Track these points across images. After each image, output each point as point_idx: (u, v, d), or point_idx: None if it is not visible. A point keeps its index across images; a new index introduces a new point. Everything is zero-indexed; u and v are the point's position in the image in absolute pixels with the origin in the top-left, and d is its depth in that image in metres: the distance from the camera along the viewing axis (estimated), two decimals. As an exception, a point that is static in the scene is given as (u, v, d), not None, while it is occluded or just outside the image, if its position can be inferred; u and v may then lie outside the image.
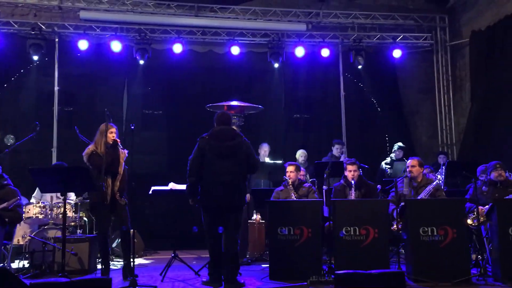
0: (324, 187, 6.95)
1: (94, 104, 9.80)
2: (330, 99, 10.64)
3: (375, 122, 11.10)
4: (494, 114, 10.17)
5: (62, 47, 9.70)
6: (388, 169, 8.81)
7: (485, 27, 10.51)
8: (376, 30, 10.92)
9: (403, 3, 11.72)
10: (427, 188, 6.15)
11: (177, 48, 9.59)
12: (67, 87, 9.73)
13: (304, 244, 5.81)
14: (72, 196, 7.50)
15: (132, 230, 7.73)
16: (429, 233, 5.56)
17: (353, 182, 6.37)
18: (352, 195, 6.33)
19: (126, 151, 6.16)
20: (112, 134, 6.08)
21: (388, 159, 9.41)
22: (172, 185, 6.46)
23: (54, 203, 7.06)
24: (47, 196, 7.17)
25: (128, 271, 5.91)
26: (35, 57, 9.24)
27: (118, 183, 6.05)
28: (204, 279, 5.61)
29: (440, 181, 6.42)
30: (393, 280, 4.33)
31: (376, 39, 10.75)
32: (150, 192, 6.48)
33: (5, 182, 6.31)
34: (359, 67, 10.12)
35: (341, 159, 8.66)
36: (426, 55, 11.52)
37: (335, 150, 8.79)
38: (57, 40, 9.69)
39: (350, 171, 6.45)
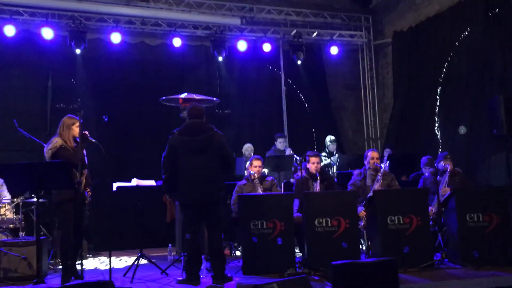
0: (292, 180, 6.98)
1: (18, 96, 9.09)
2: (268, 94, 10.74)
3: (303, 116, 11.38)
4: (416, 110, 10.90)
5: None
6: (333, 162, 9.08)
7: (406, 28, 11.21)
8: (307, 27, 11.20)
9: (329, 2, 12.13)
10: (377, 177, 6.48)
11: (115, 37, 9.14)
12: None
13: (278, 238, 5.84)
14: (7, 195, 6.93)
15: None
16: (396, 222, 5.84)
17: (317, 174, 6.50)
18: (317, 187, 6.47)
19: (94, 141, 5.79)
20: (78, 127, 5.68)
21: (323, 153, 9.69)
22: (136, 181, 6.19)
23: (-5, 204, 6.46)
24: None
25: (73, 272, 5.63)
26: None
27: (84, 179, 5.71)
28: (180, 278, 5.47)
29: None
30: (386, 267, 4.51)
31: (315, 35, 11.00)
32: (115, 189, 6.15)
33: None
34: (298, 62, 10.31)
35: (286, 153, 8.82)
36: (351, 53, 12.03)
37: (279, 143, 8.90)
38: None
39: (314, 163, 6.58)
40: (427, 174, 6.95)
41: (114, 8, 9.74)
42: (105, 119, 5.42)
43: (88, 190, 5.79)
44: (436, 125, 10.46)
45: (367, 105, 11.88)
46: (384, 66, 12.08)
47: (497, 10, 8.81)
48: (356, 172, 6.86)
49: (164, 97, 7.40)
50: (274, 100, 10.78)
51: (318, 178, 6.50)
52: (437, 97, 10.47)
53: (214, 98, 7.39)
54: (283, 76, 10.60)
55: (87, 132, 5.71)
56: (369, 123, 11.84)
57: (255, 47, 10.39)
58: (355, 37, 11.58)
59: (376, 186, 6.47)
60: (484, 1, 9.11)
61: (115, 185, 6.07)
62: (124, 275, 5.89)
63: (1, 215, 6.43)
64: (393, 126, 11.35)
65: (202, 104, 7.34)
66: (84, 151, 5.79)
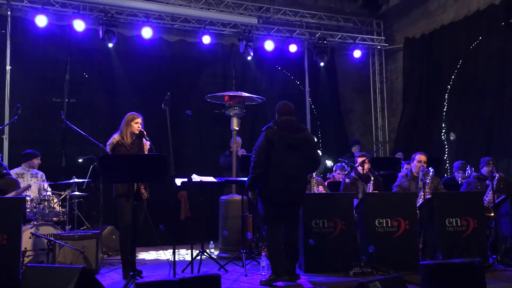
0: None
1: (48, 89, 8.79)
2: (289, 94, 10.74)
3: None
4: (426, 115, 11.14)
5: (16, 22, 8.55)
6: None
7: (419, 35, 11.43)
8: (321, 29, 11.27)
9: (340, 6, 12.24)
10: (425, 180, 6.57)
11: (147, 32, 8.95)
12: (20, 67, 8.55)
13: (339, 236, 5.86)
14: (48, 188, 6.71)
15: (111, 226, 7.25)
16: (454, 224, 5.95)
17: (370, 175, 6.56)
18: (370, 188, 6.52)
19: (148, 143, 5.72)
20: (138, 124, 5.67)
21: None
22: (196, 177, 6.08)
23: (42, 196, 6.21)
24: (33, 188, 6.29)
25: (131, 267, 5.53)
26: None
27: None
28: (263, 279, 5.28)
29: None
30: (474, 268, 4.57)
31: (338, 38, 11.11)
32: (179, 184, 6.03)
33: (5, 171, 5.46)
34: (321, 64, 10.37)
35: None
36: (361, 57, 12.15)
37: (355, 149, 9.00)
38: (9, 13, 8.46)
39: (360, 164, 6.62)
40: (471, 178, 7.08)
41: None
42: (189, 113, 5.30)
43: (142, 186, 5.66)
44: (443, 130, 10.74)
45: (376, 108, 12.03)
46: (393, 71, 12.27)
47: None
48: (401, 174, 6.95)
49: (209, 95, 7.31)
50: (295, 100, 10.77)
51: (372, 178, 6.54)
52: (445, 104, 10.74)
53: (260, 97, 7.30)
54: (307, 77, 10.63)
55: (143, 130, 5.66)
56: (378, 126, 11.99)
57: (281, 48, 10.39)
58: (367, 41, 11.66)
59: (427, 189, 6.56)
60: (504, 10, 9.34)
61: (179, 181, 5.93)
62: (183, 271, 5.78)
63: (50, 207, 6.19)
64: (403, 130, 11.55)
65: (247, 102, 7.34)
66: (148, 147, 5.70)
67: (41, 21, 8.31)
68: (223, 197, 7.22)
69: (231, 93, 7.16)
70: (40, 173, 6.97)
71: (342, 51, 11.49)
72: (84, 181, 6.91)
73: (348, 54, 11.47)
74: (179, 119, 8.72)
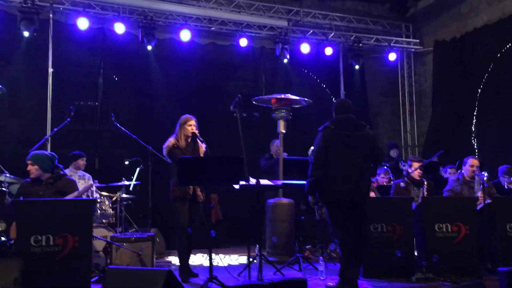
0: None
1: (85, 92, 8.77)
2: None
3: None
4: (455, 120, 11.06)
5: (58, 25, 8.55)
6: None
7: (450, 38, 11.34)
8: (351, 32, 11.18)
9: (367, 9, 12.17)
10: (475, 187, 6.50)
11: (185, 35, 8.88)
12: (62, 69, 8.51)
13: (398, 241, 5.78)
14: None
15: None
16: (513, 229, 5.87)
17: (424, 180, 6.47)
18: (424, 192, 6.44)
19: (204, 145, 5.68)
20: (191, 126, 5.67)
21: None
22: (253, 180, 5.99)
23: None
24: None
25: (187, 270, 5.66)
26: (26, 34, 7.94)
27: None
28: (330, 284, 5.15)
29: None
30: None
31: (373, 41, 11.06)
32: (237, 187, 5.94)
33: (62, 172, 5.38)
34: (356, 67, 10.31)
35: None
36: (390, 59, 12.07)
37: (393, 152, 8.93)
38: (51, 15, 8.44)
39: (417, 168, 6.54)
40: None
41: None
42: (257, 116, 5.23)
43: (198, 189, 5.67)
44: (473, 134, 10.66)
45: (405, 112, 11.95)
46: (422, 74, 12.19)
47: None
48: (452, 178, 6.86)
49: (256, 97, 7.26)
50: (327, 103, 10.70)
51: (426, 183, 6.45)
52: (476, 107, 10.67)
53: (306, 99, 7.22)
54: (342, 81, 10.56)
55: (196, 132, 5.63)
56: (407, 130, 11.91)
57: (316, 51, 10.33)
58: (396, 44, 11.56)
59: (479, 193, 6.47)
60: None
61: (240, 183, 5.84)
62: (239, 275, 5.71)
63: (102, 210, 6.12)
64: (432, 134, 11.46)
65: (294, 105, 7.25)
66: (204, 150, 5.68)
67: (82, 23, 8.27)
68: (270, 200, 7.12)
69: (278, 96, 7.07)
70: (87, 175, 6.90)
71: (371, 54, 11.37)
72: (134, 184, 6.85)
73: (377, 57, 11.39)
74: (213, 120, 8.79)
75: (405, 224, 5.82)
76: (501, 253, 5.80)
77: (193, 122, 5.71)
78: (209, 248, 4.92)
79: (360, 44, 10.27)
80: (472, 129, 10.68)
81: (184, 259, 5.66)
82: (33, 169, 5.23)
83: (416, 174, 6.58)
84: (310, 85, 10.64)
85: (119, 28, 8.54)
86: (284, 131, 7.14)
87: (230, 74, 10.08)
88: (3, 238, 5.78)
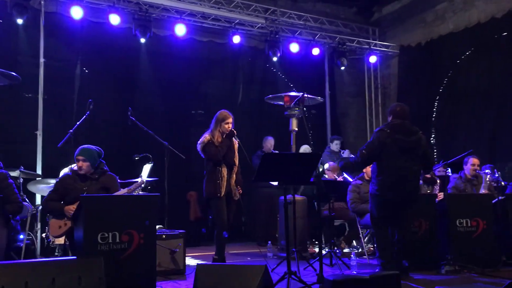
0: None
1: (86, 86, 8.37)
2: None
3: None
4: (417, 123, 11.60)
5: (50, 13, 8.08)
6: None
7: (415, 44, 11.95)
8: (323, 32, 11.44)
9: (336, 11, 12.52)
10: (483, 184, 6.95)
11: (180, 29, 8.67)
12: (54, 60, 8.03)
13: (424, 235, 6.07)
14: None
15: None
16: (524, 223, 6.34)
17: (436, 178, 6.80)
18: (437, 190, 6.80)
19: (237, 141, 5.67)
20: (229, 124, 5.68)
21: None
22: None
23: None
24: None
25: None
26: (20, 21, 7.40)
27: (234, 175, 5.59)
28: None
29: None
30: None
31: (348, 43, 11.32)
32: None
33: (105, 167, 5.11)
34: (342, 68, 10.56)
35: (344, 155, 9.01)
36: (356, 62, 12.50)
37: (334, 145, 9.06)
38: (43, 2, 7.91)
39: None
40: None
41: None
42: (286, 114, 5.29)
43: (239, 187, 5.67)
44: (432, 135, 11.33)
45: (371, 113, 12.42)
46: (386, 77, 12.72)
47: None
48: (454, 176, 7.26)
49: (269, 96, 7.28)
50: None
51: (438, 181, 6.78)
52: (434, 112, 11.35)
53: (319, 98, 7.33)
54: (327, 80, 10.76)
55: (234, 130, 5.62)
56: (373, 130, 12.37)
57: (305, 51, 10.49)
58: (362, 46, 11.90)
59: (483, 191, 6.92)
60: (506, 24, 9.97)
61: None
62: (272, 270, 5.69)
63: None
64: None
65: (307, 103, 7.33)
66: (236, 148, 5.67)
67: (76, 13, 7.86)
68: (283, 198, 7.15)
69: (291, 94, 7.11)
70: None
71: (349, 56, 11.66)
72: (152, 180, 6.63)
73: (345, 59, 11.68)
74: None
75: (430, 220, 6.09)
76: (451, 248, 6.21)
77: (231, 119, 5.69)
78: (286, 245, 4.84)
79: (345, 46, 10.51)
80: (432, 130, 11.34)
81: (223, 255, 5.59)
82: (84, 166, 4.93)
83: (429, 173, 6.89)
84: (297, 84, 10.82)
85: (114, 19, 8.21)
86: (296, 129, 7.18)
87: (218, 72, 10.01)
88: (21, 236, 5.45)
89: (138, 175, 6.92)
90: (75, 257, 3.91)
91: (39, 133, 7.57)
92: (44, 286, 3.57)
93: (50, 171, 7.29)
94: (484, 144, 10.10)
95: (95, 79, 8.65)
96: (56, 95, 8.02)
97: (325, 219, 7.30)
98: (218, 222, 5.56)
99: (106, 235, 4.25)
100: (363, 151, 5.25)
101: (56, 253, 5.73)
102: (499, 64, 10.08)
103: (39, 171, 7.68)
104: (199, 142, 5.66)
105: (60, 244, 5.61)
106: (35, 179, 6.89)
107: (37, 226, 6.31)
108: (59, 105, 8.05)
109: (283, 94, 7.19)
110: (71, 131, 5.76)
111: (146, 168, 7.13)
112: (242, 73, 10.41)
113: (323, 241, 7.60)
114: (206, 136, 5.65)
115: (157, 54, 9.21)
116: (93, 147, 5.13)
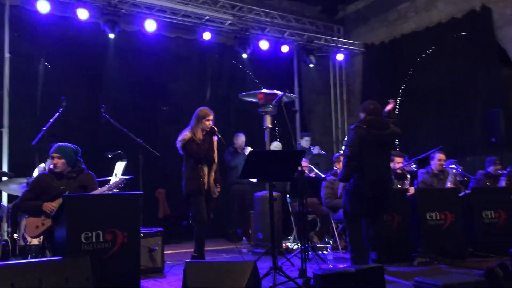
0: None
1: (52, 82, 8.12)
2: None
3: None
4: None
5: (15, 7, 7.88)
6: None
7: (379, 42, 12.23)
8: (290, 29, 11.55)
9: (301, 9, 12.66)
10: (449, 178, 7.22)
11: (150, 25, 8.58)
12: (19, 55, 7.80)
13: (397, 228, 6.24)
14: None
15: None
16: (489, 216, 6.63)
17: (407, 173, 7.02)
18: (407, 185, 6.99)
19: (219, 137, 5.69)
20: (210, 121, 5.68)
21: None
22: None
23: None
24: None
25: None
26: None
27: (213, 173, 5.61)
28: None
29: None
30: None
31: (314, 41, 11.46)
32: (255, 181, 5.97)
33: (83, 165, 5.04)
34: (311, 65, 10.68)
35: (315, 151, 9.15)
36: (321, 59, 12.66)
37: (304, 142, 9.19)
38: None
39: (398, 162, 7.07)
40: (478, 175, 7.82)
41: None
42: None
43: (218, 185, 5.70)
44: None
45: (337, 109, 12.63)
46: (351, 75, 12.96)
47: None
48: (422, 171, 7.48)
49: (243, 93, 7.32)
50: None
51: (408, 177, 6.99)
52: (396, 108, 11.63)
53: (292, 95, 7.43)
54: (296, 78, 10.86)
55: (214, 127, 5.63)
56: (338, 126, 12.60)
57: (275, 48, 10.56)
58: (328, 44, 12.04)
59: (449, 184, 7.18)
60: (468, 23, 10.32)
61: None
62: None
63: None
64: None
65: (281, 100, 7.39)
66: (215, 145, 5.70)
67: (42, 7, 7.68)
68: (259, 194, 7.23)
69: (265, 91, 7.18)
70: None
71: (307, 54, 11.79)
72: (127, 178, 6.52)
73: (312, 57, 11.83)
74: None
75: (402, 214, 6.28)
76: (480, 239, 6.51)
77: (211, 117, 5.69)
78: (272, 240, 4.89)
79: (313, 44, 10.64)
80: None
81: (202, 252, 5.61)
82: (59, 163, 4.83)
83: (395, 168, 7.08)
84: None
85: (82, 14, 8.03)
86: (270, 126, 7.28)
87: (186, 68, 9.96)
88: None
89: (111, 173, 6.86)
90: (60, 258, 3.84)
91: (5, 131, 7.36)
92: None
93: (17, 169, 7.11)
94: (445, 140, 10.46)
95: (61, 75, 8.44)
96: (21, 91, 7.79)
97: (298, 214, 7.39)
98: (198, 220, 5.58)
99: (90, 234, 4.20)
100: (347, 151, 5.39)
101: (33, 254, 5.61)
102: (459, 63, 10.42)
103: (5, 169, 7.47)
104: (179, 139, 5.63)
105: (35, 245, 5.49)
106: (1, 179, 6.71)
107: (8, 227, 6.13)
108: (25, 101, 7.84)
109: (257, 92, 7.26)
110: (45, 128, 5.63)
111: (119, 166, 7.06)
112: (211, 70, 10.39)
113: (296, 237, 7.72)
114: (186, 133, 5.61)
115: (126, 50, 9.09)
116: (70, 144, 5.03)
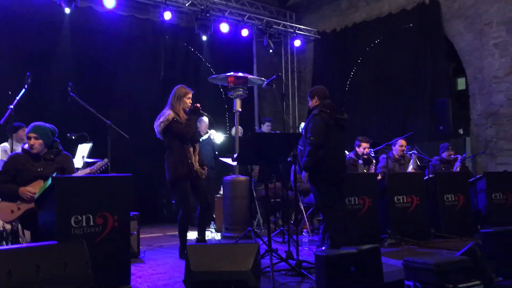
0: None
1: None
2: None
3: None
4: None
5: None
6: None
7: (330, 30, 12.42)
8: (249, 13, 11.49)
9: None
10: (411, 164, 7.52)
11: (109, 2, 8.24)
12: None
13: (367, 212, 6.40)
14: None
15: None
16: (450, 199, 6.95)
17: (372, 158, 7.21)
18: (372, 169, 7.19)
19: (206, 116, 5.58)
20: (190, 99, 5.49)
21: None
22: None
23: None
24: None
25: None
26: None
27: (196, 154, 5.49)
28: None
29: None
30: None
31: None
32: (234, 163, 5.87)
33: (60, 146, 4.77)
34: (270, 51, 10.66)
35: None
36: (276, 45, 12.66)
37: (266, 127, 9.20)
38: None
39: (365, 148, 7.24)
40: (433, 161, 8.15)
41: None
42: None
43: (197, 165, 5.55)
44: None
45: (288, 95, 12.72)
46: (302, 62, 13.10)
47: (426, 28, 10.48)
48: (383, 156, 7.70)
49: (213, 76, 7.19)
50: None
51: (374, 162, 7.19)
52: (344, 98, 11.96)
53: (262, 78, 7.39)
54: (255, 62, 10.80)
55: (198, 105, 5.48)
56: (289, 112, 12.72)
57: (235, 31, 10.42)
58: (280, 28, 12.03)
59: (410, 169, 7.47)
60: (417, 15, 10.69)
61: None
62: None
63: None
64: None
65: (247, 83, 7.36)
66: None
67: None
68: (228, 178, 7.17)
69: (235, 74, 7.10)
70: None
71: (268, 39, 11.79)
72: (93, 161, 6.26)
73: (264, 42, 11.84)
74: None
75: (373, 197, 6.45)
76: (442, 220, 6.82)
77: (191, 94, 5.49)
78: (267, 222, 4.83)
79: (272, 29, 10.63)
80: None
81: (185, 239, 5.48)
82: (37, 144, 4.52)
83: (364, 153, 7.26)
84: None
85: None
86: (240, 110, 7.22)
87: (140, 48, 9.64)
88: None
89: (73, 156, 6.56)
90: (55, 242, 3.62)
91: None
92: (29, 274, 3.28)
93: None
94: (394, 128, 10.85)
95: (7, 53, 7.94)
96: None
97: (264, 198, 7.42)
98: (184, 205, 5.38)
99: (80, 218, 3.99)
100: (312, 138, 5.27)
101: (8, 240, 5.24)
102: (407, 53, 10.78)
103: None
104: (160, 120, 5.30)
105: (7, 230, 5.14)
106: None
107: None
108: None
109: (227, 74, 7.16)
110: (12, 106, 5.26)
111: (83, 147, 6.77)
112: (165, 50, 10.08)
113: (260, 221, 7.75)
114: (169, 113, 5.31)
115: (80, 28, 8.65)
116: (47, 124, 4.74)
